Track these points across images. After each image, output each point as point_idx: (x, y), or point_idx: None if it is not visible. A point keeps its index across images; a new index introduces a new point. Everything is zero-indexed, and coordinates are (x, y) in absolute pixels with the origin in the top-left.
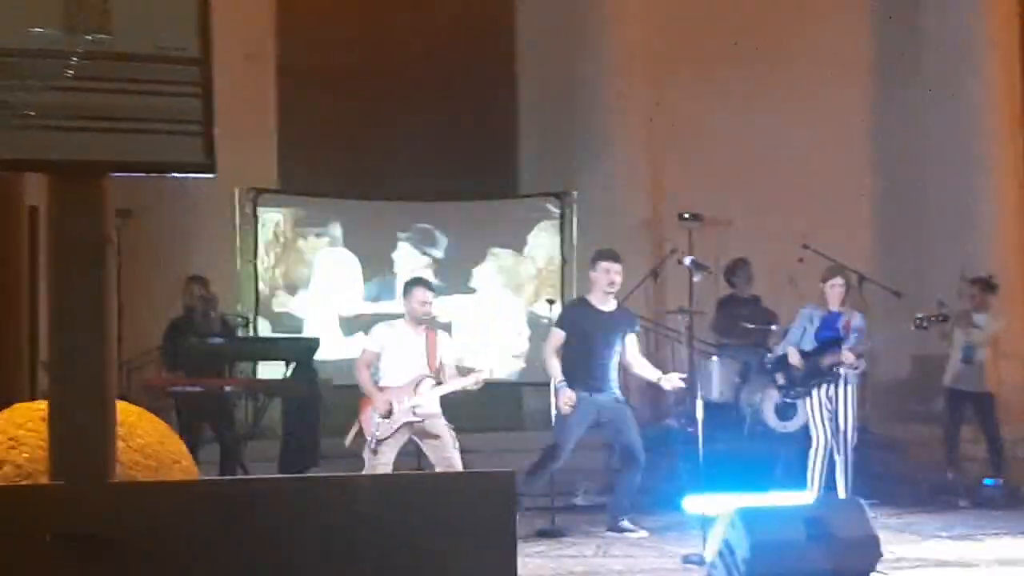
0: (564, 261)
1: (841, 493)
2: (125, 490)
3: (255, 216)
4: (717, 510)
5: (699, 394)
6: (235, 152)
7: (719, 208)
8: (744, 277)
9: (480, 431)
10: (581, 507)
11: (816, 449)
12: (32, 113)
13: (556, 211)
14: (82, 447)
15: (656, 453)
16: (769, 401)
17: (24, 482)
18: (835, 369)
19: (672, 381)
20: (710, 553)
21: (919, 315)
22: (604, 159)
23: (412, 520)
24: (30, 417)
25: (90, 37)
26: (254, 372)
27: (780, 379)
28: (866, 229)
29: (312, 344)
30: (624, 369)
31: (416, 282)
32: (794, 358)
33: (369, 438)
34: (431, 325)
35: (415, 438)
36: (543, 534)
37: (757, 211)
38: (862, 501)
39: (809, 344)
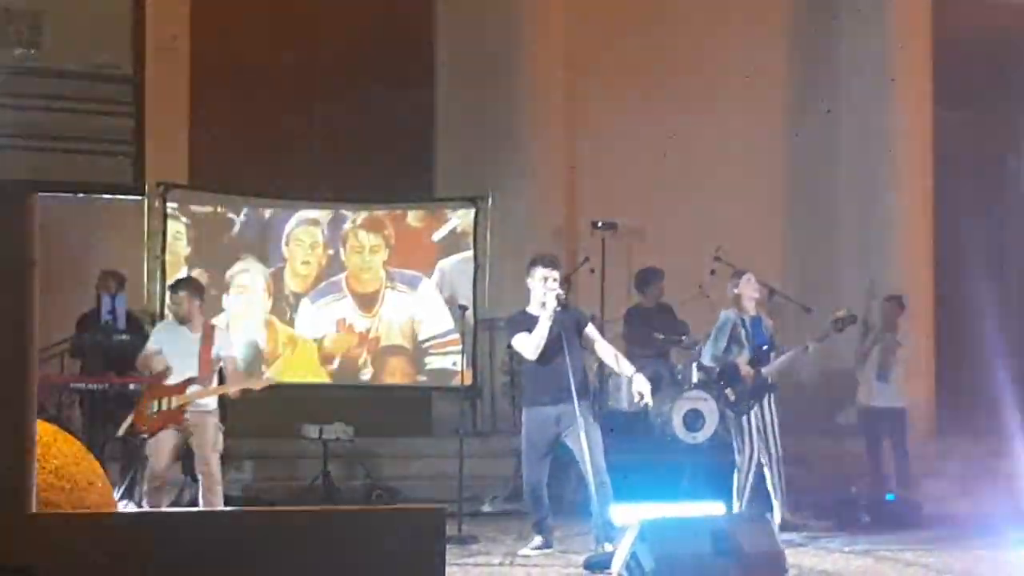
0: (477, 266)
1: (777, 508)
2: (43, 521)
3: (164, 211)
4: (624, 520)
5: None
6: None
7: (632, 217)
8: (654, 289)
9: (386, 436)
10: (489, 514)
11: (744, 464)
12: None
13: (470, 216)
14: None
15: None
16: (678, 412)
17: None
18: (770, 380)
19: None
20: (617, 565)
21: (836, 316)
22: (519, 165)
23: (340, 556)
24: None
25: (19, 51)
26: None
27: (731, 394)
28: (777, 244)
29: None
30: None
31: (176, 285)
32: (746, 370)
33: (146, 434)
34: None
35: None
36: (450, 540)
37: (670, 221)
38: (768, 515)
39: (747, 353)
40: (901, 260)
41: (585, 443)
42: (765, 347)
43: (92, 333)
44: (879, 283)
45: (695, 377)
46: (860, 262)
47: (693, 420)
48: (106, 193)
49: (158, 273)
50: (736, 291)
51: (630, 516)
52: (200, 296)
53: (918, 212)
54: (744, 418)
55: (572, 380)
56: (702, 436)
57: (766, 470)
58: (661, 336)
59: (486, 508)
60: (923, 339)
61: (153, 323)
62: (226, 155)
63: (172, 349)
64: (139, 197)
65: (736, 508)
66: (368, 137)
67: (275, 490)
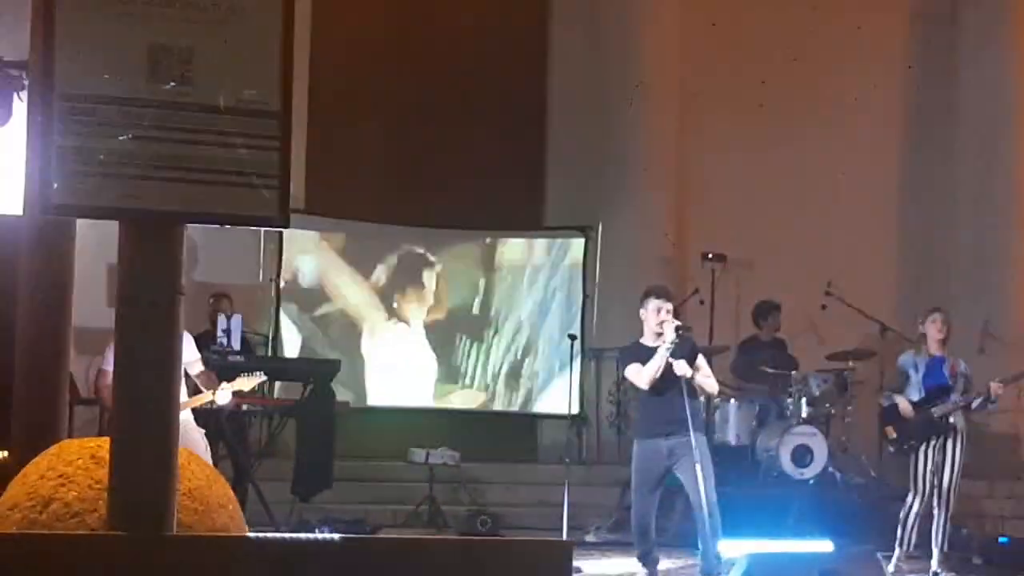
0: (586, 296)
1: (936, 554)
2: (184, 543)
3: (280, 235)
4: (731, 555)
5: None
6: None
7: (742, 249)
8: (772, 321)
9: (492, 461)
10: (593, 544)
11: (912, 505)
12: (110, 160)
13: (580, 246)
14: (143, 497)
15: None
16: (786, 447)
17: (72, 520)
18: (946, 419)
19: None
20: None
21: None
22: (629, 196)
23: None
24: (80, 455)
25: (170, 86)
26: (271, 391)
27: (892, 432)
28: (890, 278)
29: (332, 366)
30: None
31: None
32: (905, 407)
33: None
34: None
35: None
36: None
37: (780, 254)
38: (878, 554)
39: (916, 393)
40: (1019, 297)
41: (700, 475)
42: (943, 387)
43: (207, 354)
44: (995, 320)
45: (804, 412)
46: (976, 299)
47: (801, 456)
48: (252, 225)
49: (275, 295)
50: (922, 329)
51: (737, 551)
52: None
53: None
54: (915, 457)
55: (688, 411)
56: (810, 472)
57: (936, 512)
58: (772, 370)
59: (590, 538)
60: None
61: (265, 344)
62: (341, 181)
63: None
64: (284, 229)
65: (897, 549)
66: (481, 166)
67: (380, 514)
